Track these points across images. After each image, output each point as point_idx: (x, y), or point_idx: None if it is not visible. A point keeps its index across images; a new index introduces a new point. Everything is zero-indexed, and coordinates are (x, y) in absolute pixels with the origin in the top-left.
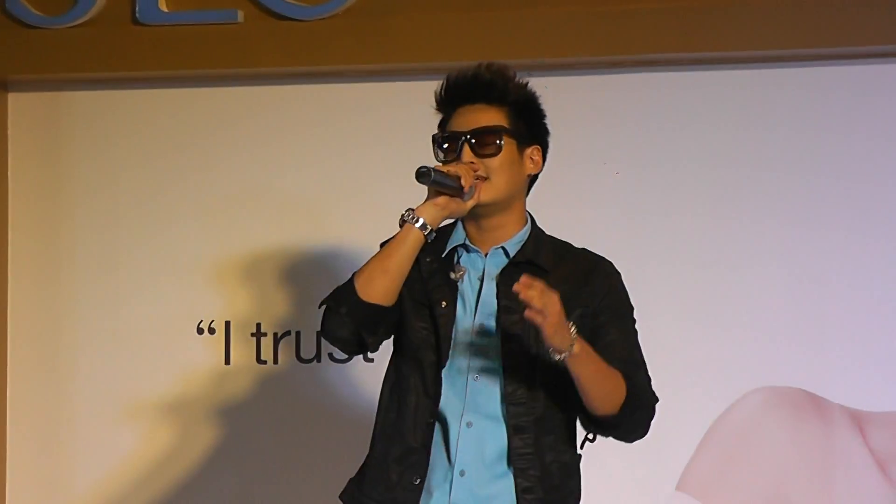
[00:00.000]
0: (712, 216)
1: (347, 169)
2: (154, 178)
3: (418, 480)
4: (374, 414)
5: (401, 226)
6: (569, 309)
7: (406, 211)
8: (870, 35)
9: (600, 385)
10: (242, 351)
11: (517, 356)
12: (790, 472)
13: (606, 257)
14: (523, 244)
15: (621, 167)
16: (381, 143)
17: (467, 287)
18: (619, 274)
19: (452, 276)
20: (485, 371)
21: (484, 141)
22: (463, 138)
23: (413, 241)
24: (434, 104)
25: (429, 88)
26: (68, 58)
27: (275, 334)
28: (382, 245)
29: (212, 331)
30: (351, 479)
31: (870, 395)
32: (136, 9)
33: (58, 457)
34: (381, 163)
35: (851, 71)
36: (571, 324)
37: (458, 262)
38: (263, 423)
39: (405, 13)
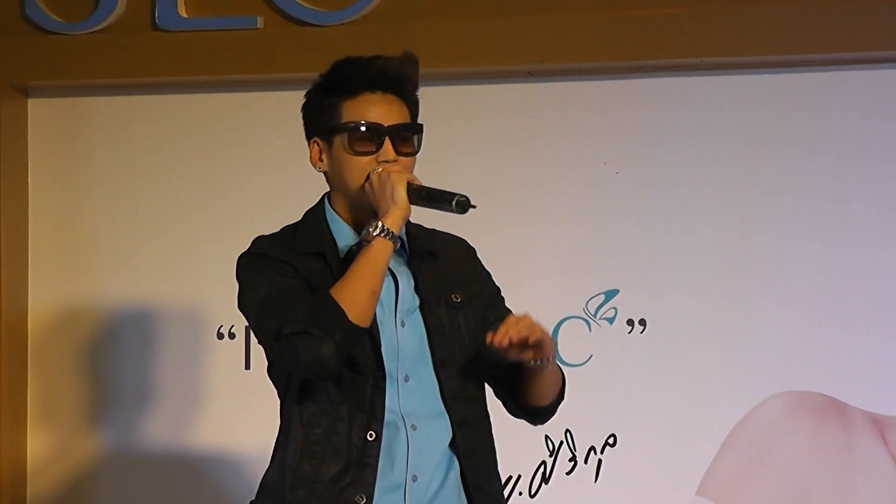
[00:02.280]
0: (731, 220)
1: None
2: (173, 184)
3: (363, 500)
4: None
5: (368, 241)
6: (470, 293)
7: (376, 225)
8: (882, 40)
9: (554, 381)
10: (263, 356)
11: (445, 349)
12: (811, 478)
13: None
14: (407, 234)
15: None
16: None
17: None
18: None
19: None
20: (414, 370)
21: (406, 138)
22: (386, 133)
23: (389, 256)
24: (326, 79)
25: (449, 93)
26: (88, 64)
27: None
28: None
29: (232, 335)
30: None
31: (891, 399)
32: (156, 15)
33: (78, 461)
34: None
35: (867, 75)
36: None
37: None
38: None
39: (425, 18)
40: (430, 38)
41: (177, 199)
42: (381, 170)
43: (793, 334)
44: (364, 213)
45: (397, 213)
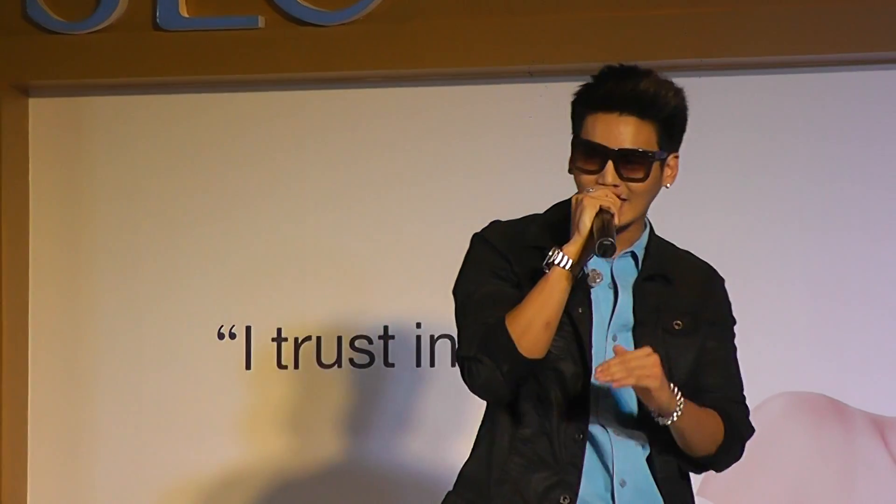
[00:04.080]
0: (730, 220)
1: (368, 173)
2: (174, 183)
3: (567, 500)
4: (393, 418)
5: (548, 268)
6: (698, 321)
7: (553, 251)
8: (883, 40)
9: (700, 435)
10: (263, 356)
11: None
12: (811, 478)
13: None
14: (646, 250)
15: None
16: (401, 147)
17: (599, 294)
18: (722, 282)
19: (588, 280)
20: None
21: (633, 164)
22: (610, 156)
23: (567, 286)
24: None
25: (450, 94)
26: (89, 63)
27: (296, 339)
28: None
29: (233, 335)
30: (456, 495)
31: (891, 400)
32: (157, 14)
33: (78, 462)
34: (401, 168)
35: (872, 76)
36: (675, 388)
37: (588, 265)
38: (284, 428)
39: (426, 18)
40: (430, 37)
41: (178, 198)
42: (592, 191)
43: (793, 335)
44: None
45: (578, 241)
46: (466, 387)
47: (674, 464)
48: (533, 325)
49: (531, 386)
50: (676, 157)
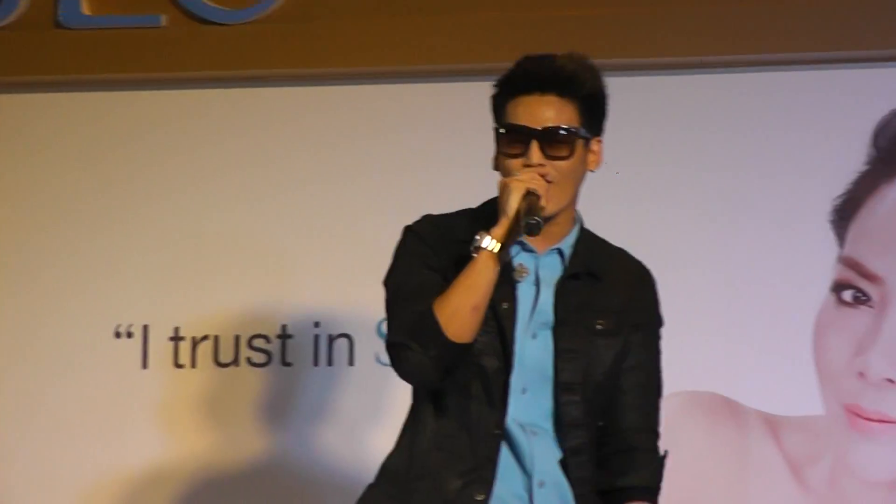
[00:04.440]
0: (625, 217)
1: (266, 173)
2: (72, 181)
3: (482, 497)
4: (290, 418)
5: (475, 253)
6: (623, 321)
7: (480, 236)
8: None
9: None
10: (160, 355)
11: (571, 373)
12: (705, 477)
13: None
14: (575, 247)
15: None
16: (301, 147)
17: (524, 290)
18: (653, 282)
19: (514, 275)
20: (533, 385)
21: (558, 142)
22: (534, 136)
23: (495, 269)
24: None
25: (352, 93)
26: None
27: (193, 338)
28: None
29: (129, 335)
30: (377, 489)
31: (784, 399)
32: (59, 12)
33: None
34: (299, 167)
35: (867, 75)
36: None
37: (514, 259)
38: (181, 427)
39: (328, 18)
40: (333, 37)
41: (76, 197)
42: (520, 175)
43: (688, 334)
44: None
45: (504, 224)
46: (396, 373)
47: (588, 466)
48: (460, 309)
49: (454, 380)
50: (600, 141)
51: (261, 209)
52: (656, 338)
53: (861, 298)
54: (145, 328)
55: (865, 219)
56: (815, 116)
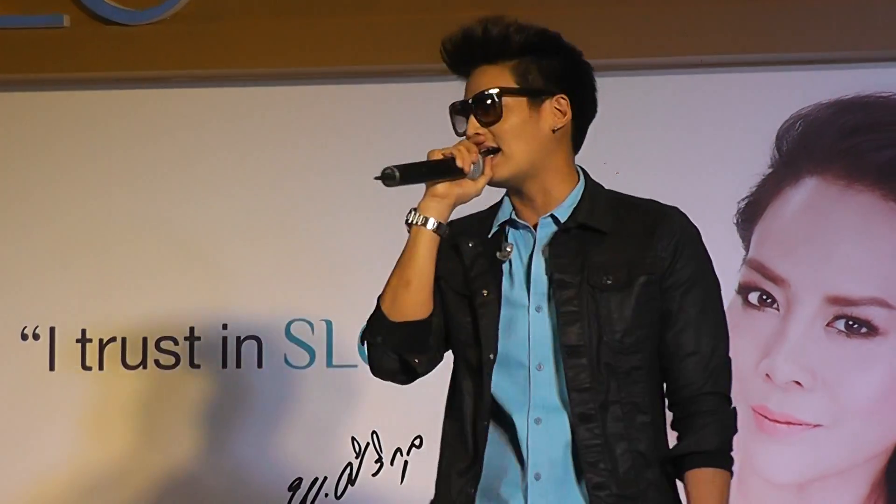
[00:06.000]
0: None
1: (170, 174)
2: None
3: (473, 490)
4: (198, 420)
5: (408, 229)
6: (627, 272)
7: (410, 211)
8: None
9: None
10: (67, 357)
11: (575, 336)
12: None
13: (680, 211)
14: (576, 206)
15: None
16: (205, 148)
17: (518, 267)
18: (692, 228)
19: (498, 255)
20: (546, 358)
21: (483, 107)
22: (466, 108)
23: (426, 242)
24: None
25: (254, 94)
26: None
27: (100, 340)
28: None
29: (36, 336)
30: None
31: None
32: None
33: None
34: (204, 168)
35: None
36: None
37: (507, 239)
38: (87, 430)
39: (232, 19)
40: (238, 38)
41: None
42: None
43: None
44: (509, 190)
45: (426, 197)
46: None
47: (600, 433)
48: (393, 287)
49: (455, 380)
50: (563, 98)
51: (167, 210)
52: (706, 294)
53: (766, 301)
54: (52, 330)
55: (770, 221)
56: (719, 118)
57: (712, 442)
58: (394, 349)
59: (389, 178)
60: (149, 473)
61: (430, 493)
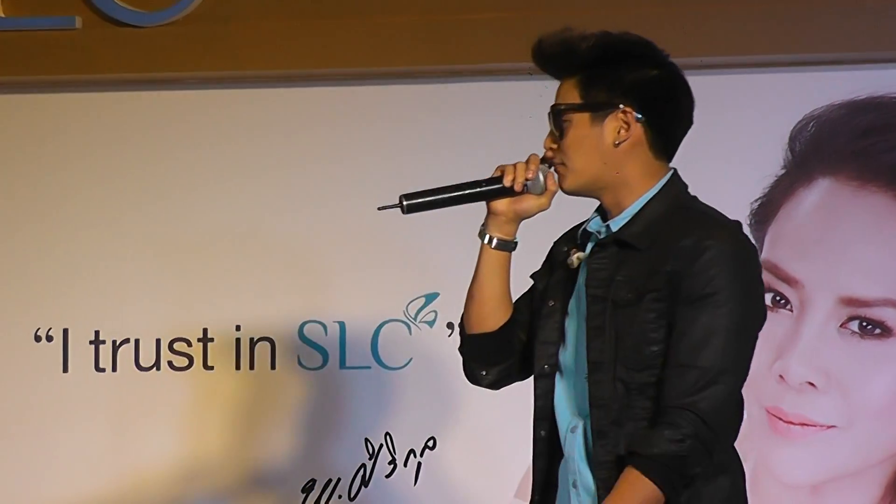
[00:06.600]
0: None
1: (184, 174)
2: None
3: (536, 498)
4: (211, 422)
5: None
6: (642, 287)
7: (481, 227)
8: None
9: None
10: (81, 358)
11: (596, 352)
12: None
13: (728, 227)
14: (630, 219)
15: None
16: (219, 148)
17: (581, 277)
18: (727, 247)
19: (568, 263)
20: (572, 372)
21: (552, 123)
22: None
23: (486, 257)
24: None
25: (267, 95)
26: None
27: (114, 341)
28: None
29: (49, 338)
30: None
31: None
32: None
33: None
34: (217, 169)
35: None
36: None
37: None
38: (101, 431)
39: (245, 20)
40: (249, 40)
41: None
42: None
43: None
44: (603, 200)
45: (489, 215)
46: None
47: (613, 450)
48: (467, 300)
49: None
50: (627, 112)
51: (180, 212)
52: (722, 316)
53: (780, 302)
54: (65, 331)
55: (783, 222)
56: (732, 119)
57: (651, 447)
58: (466, 358)
59: (413, 209)
60: (162, 475)
61: (444, 494)
